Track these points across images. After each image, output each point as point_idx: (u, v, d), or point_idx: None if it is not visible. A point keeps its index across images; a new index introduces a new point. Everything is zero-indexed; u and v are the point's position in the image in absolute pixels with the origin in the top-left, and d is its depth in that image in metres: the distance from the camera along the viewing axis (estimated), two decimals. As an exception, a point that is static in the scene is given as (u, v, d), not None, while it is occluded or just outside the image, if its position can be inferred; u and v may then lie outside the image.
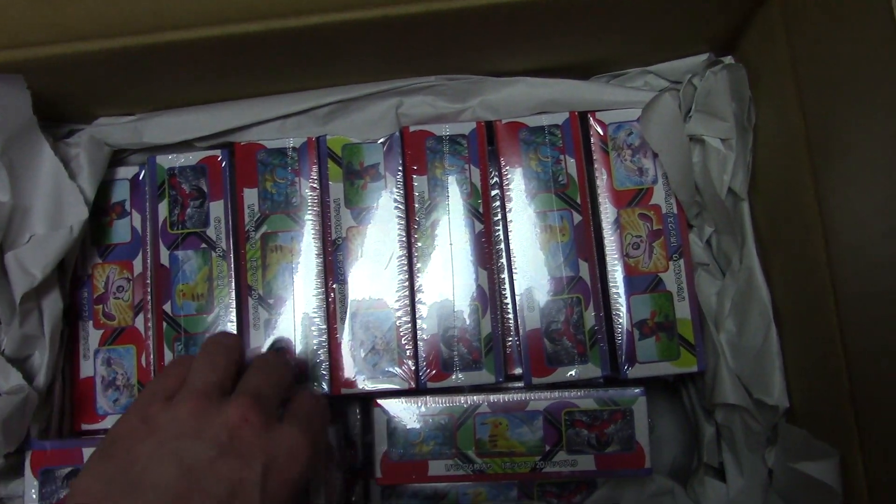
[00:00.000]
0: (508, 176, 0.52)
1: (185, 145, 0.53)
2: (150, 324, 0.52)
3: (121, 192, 0.53)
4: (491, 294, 0.51)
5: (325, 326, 0.51)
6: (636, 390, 0.50)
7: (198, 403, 0.38)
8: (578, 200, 0.51)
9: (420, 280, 0.51)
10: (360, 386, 0.50)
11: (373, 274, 0.51)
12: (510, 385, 0.53)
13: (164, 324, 0.51)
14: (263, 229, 0.52)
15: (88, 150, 0.50)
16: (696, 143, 0.51)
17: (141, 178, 0.53)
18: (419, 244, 0.51)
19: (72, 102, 0.51)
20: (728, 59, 0.50)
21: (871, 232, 0.36)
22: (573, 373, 0.50)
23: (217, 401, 0.39)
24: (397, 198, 0.52)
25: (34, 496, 0.49)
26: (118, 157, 0.54)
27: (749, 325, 0.49)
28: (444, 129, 0.52)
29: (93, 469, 0.36)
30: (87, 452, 0.49)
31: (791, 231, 0.46)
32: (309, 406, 0.42)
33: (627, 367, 0.50)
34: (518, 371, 0.52)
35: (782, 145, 0.45)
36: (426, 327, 0.50)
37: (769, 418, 0.49)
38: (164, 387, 0.40)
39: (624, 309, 0.50)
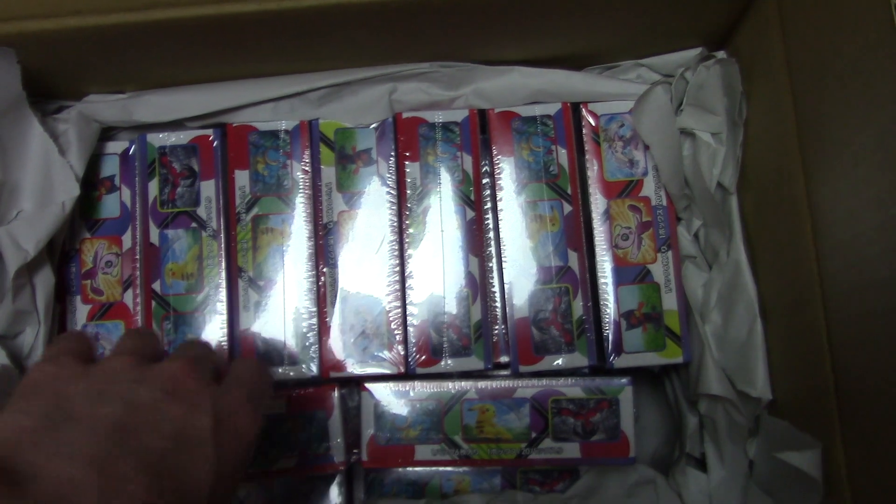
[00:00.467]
0: (500, 164, 0.52)
1: (175, 124, 0.53)
2: (139, 300, 0.51)
3: (110, 167, 0.53)
4: (481, 281, 0.51)
5: (315, 309, 0.51)
6: (623, 380, 0.51)
7: (132, 359, 0.35)
8: (569, 191, 0.52)
9: (411, 266, 0.51)
10: (350, 370, 0.50)
11: (363, 258, 0.51)
12: (497, 373, 0.53)
13: (153, 302, 0.51)
14: (255, 211, 0.51)
15: (78, 126, 0.50)
16: (687, 136, 0.51)
17: (131, 153, 0.53)
18: (410, 230, 0.51)
19: (61, 78, 0.51)
20: (721, 54, 0.51)
21: (863, 226, 0.37)
22: (560, 361, 0.50)
23: (149, 362, 0.35)
24: (389, 183, 0.52)
25: None
26: (107, 133, 0.53)
27: (734, 318, 0.50)
28: (437, 116, 0.52)
29: (16, 407, 0.31)
30: None
31: (780, 225, 0.46)
32: (250, 372, 0.39)
33: (614, 357, 0.50)
34: (504, 359, 0.52)
35: (773, 140, 0.46)
36: (416, 313, 0.51)
37: (752, 410, 0.49)
38: (79, 350, 0.36)
39: (612, 299, 0.51)
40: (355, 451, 0.52)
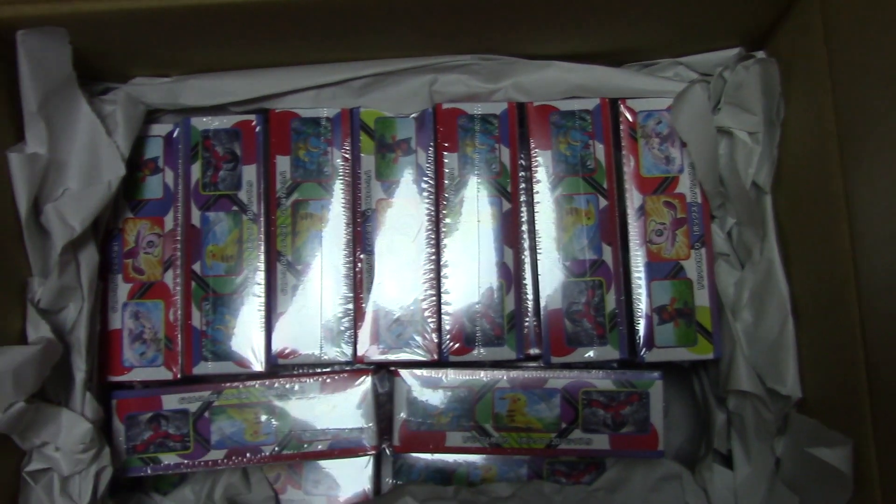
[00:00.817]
0: (537, 157, 0.52)
1: (219, 109, 0.54)
2: (178, 280, 0.52)
3: (154, 149, 0.54)
4: (515, 272, 0.52)
5: (351, 295, 0.52)
6: (654, 374, 0.51)
7: None
8: (605, 185, 0.52)
9: (446, 255, 0.52)
10: (383, 355, 0.51)
11: (400, 246, 0.52)
12: (527, 364, 0.54)
13: (193, 283, 0.52)
14: (295, 196, 0.52)
15: (125, 107, 0.51)
16: (724, 135, 0.52)
17: (175, 136, 0.54)
18: (447, 220, 0.52)
19: (108, 60, 0.51)
20: (760, 54, 0.51)
21: (903, 225, 0.37)
22: (591, 354, 0.51)
23: None
24: (427, 173, 0.53)
25: (121, 439, 0.52)
26: (152, 115, 0.54)
27: (766, 316, 0.50)
28: (476, 108, 0.53)
29: None
30: (166, 399, 0.52)
31: (815, 225, 0.47)
32: None
33: (645, 351, 0.51)
34: (533, 351, 0.53)
35: (812, 140, 0.46)
36: (451, 301, 0.51)
37: (781, 407, 0.50)
38: None
39: (644, 294, 0.51)
40: (386, 436, 0.53)
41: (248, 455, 0.51)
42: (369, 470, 0.56)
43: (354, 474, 0.56)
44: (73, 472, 0.47)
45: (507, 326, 0.51)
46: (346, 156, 0.53)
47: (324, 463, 0.56)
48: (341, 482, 0.56)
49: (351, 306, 0.52)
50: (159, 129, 0.54)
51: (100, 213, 0.49)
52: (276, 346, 0.51)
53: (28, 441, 0.47)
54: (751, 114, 0.50)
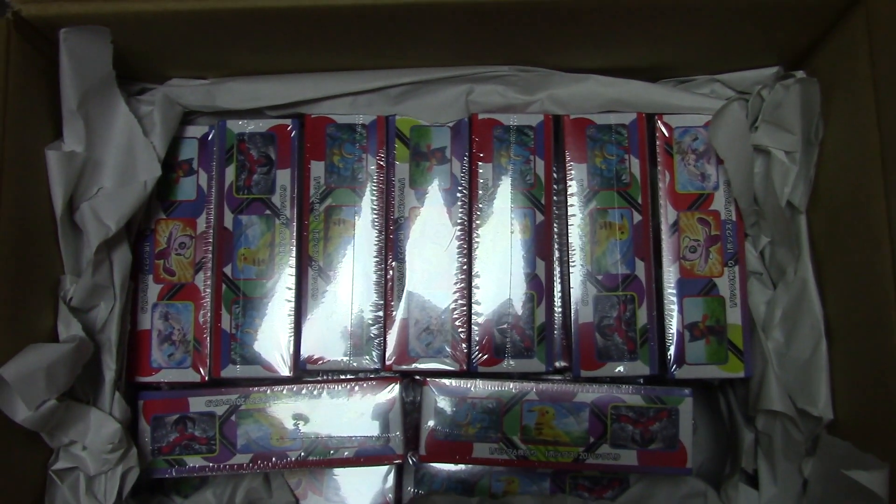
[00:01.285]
0: (572, 170, 0.52)
1: (255, 112, 0.54)
2: (209, 283, 0.52)
3: (188, 151, 0.54)
4: (547, 284, 0.51)
5: (381, 302, 0.52)
6: (685, 391, 0.51)
7: None
8: (640, 200, 0.52)
9: (478, 265, 0.52)
10: (412, 364, 0.51)
11: (432, 255, 0.52)
12: (554, 377, 0.54)
13: (224, 285, 0.52)
14: (328, 202, 0.52)
15: (162, 108, 0.51)
16: (760, 153, 0.52)
17: (210, 138, 0.54)
18: (480, 230, 0.52)
19: (146, 61, 0.51)
20: (799, 73, 0.51)
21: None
22: (621, 368, 0.51)
23: None
24: (461, 182, 0.52)
25: (147, 440, 0.52)
26: (187, 117, 0.54)
27: (798, 336, 0.50)
28: (512, 119, 0.53)
29: None
30: (193, 401, 0.52)
31: (853, 246, 0.46)
32: None
33: (675, 368, 0.51)
34: (559, 364, 0.53)
35: (852, 160, 0.46)
36: (481, 312, 0.51)
37: (811, 428, 0.49)
38: None
39: (676, 310, 0.51)
40: (411, 445, 0.52)
41: (273, 460, 0.51)
42: (391, 479, 0.55)
43: (376, 483, 0.56)
44: (100, 471, 0.47)
45: (538, 339, 0.51)
46: (381, 163, 0.53)
47: (345, 470, 0.56)
48: (363, 490, 0.56)
49: (381, 314, 0.51)
50: (195, 130, 0.54)
51: (134, 213, 0.49)
52: (305, 352, 0.51)
53: (56, 439, 0.46)
54: (789, 133, 0.50)
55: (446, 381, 0.51)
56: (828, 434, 0.49)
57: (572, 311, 0.51)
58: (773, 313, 0.52)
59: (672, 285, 0.51)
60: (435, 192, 0.53)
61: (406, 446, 0.52)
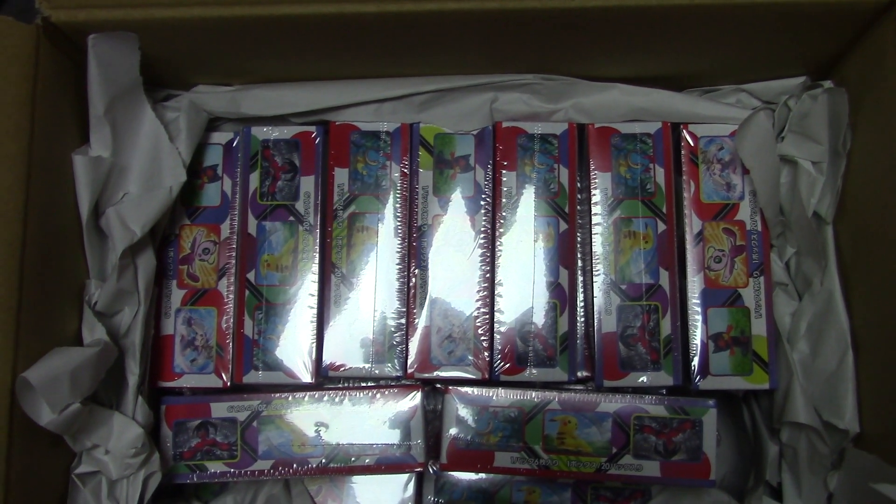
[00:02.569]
0: (596, 179, 0.52)
1: (279, 119, 0.54)
2: (232, 288, 0.52)
3: (213, 157, 0.54)
4: (570, 293, 0.51)
5: (404, 310, 0.51)
6: (709, 402, 0.50)
7: None
8: (664, 209, 0.52)
9: (501, 273, 0.51)
10: (434, 372, 0.51)
11: (455, 263, 0.52)
12: (576, 386, 0.53)
13: (247, 291, 0.52)
14: (351, 209, 0.52)
15: (188, 114, 0.51)
16: (787, 163, 0.51)
17: (234, 144, 0.54)
18: (503, 238, 0.52)
19: (173, 67, 0.52)
20: (827, 83, 0.51)
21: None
22: (644, 379, 0.50)
23: None
24: (485, 190, 0.52)
25: (169, 445, 0.52)
26: (212, 123, 0.55)
27: (824, 348, 0.49)
28: (536, 128, 0.53)
29: None
30: (215, 407, 0.52)
31: (880, 258, 0.46)
32: None
33: (699, 379, 0.50)
34: (581, 374, 0.53)
35: (881, 172, 0.46)
36: (504, 320, 0.51)
37: (837, 441, 0.49)
38: None
39: (700, 321, 0.51)
40: (433, 453, 0.52)
41: (294, 466, 0.51)
42: (411, 487, 0.55)
43: (396, 491, 0.55)
44: (122, 476, 0.47)
45: (560, 348, 0.51)
46: (405, 170, 0.53)
47: (365, 478, 0.56)
48: (382, 498, 0.55)
49: (403, 321, 0.51)
50: (220, 137, 0.54)
51: (159, 219, 0.49)
52: (327, 359, 0.51)
53: (80, 443, 0.47)
54: (816, 143, 0.50)
55: (468, 390, 0.51)
56: (854, 447, 0.48)
57: (595, 321, 0.51)
58: (799, 325, 0.51)
59: (696, 295, 0.51)
60: (458, 199, 0.52)
61: (427, 454, 0.52)
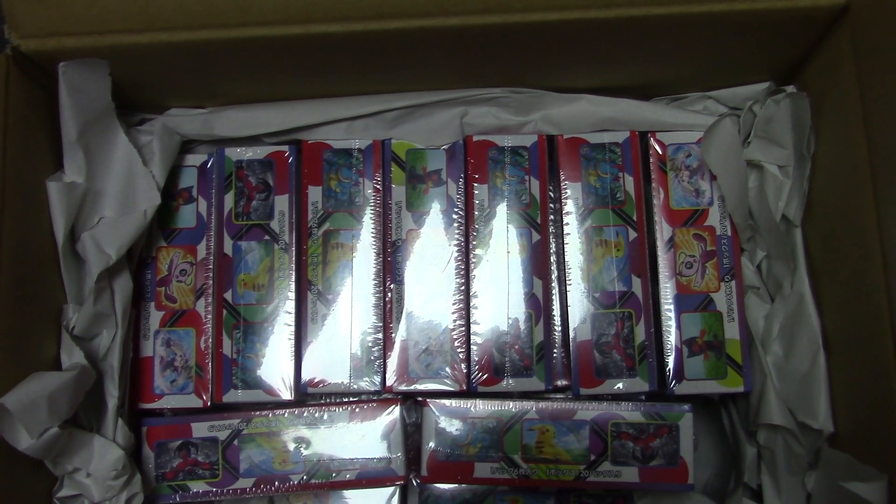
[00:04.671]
0: (567, 189, 0.53)
1: (253, 140, 0.54)
2: (210, 309, 0.53)
3: (188, 179, 0.55)
4: (545, 303, 0.52)
5: (380, 324, 0.52)
6: (684, 406, 0.51)
7: None
8: (635, 217, 0.52)
9: (476, 285, 0.52)
10: (412, 385, 0.51)
11: (430, 276, 0.52)
12: (554, 395, 0.54)
13: (224, 311, 0.52)
14: (326, 226, 0.53)
15: (161, 138, 0.52)
16: (754, 168, 0.52)
17: (209, 166, 0.55)
18: (477, 250, 0.52)
19: (145, 92, 0.52)
20: (790, 88, 0.51)
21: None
22: (621, 385, 0.51)
23: None
24: (458, 204, 0.53)
25: (151, 467, 0.52)
26: (187, 145, 0.55)
27: (797, 350, 0.50)
28: (507, 141, 0.54)
29: None
30: (196, 427, 0.53)
31: (847, 258, 0.47)
32: None
33: (674, 384, 0.51)
34: (560, 383, 0.53)
35: (843, 173, 0.46)
36: (480, 332, 0.51)
37: (812, 442, 0.49)
38: None
39: (674, 326, 0.51)
40: (414, 466, 0.53)
41: (276, 483, 0.52)
42: (395, 500, 0.55)
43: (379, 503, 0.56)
44: (104, 498, 0.48)
45: (536, 357, 0.51)
46: (378, 186, 0.53)
47: (349, 493, 0.56)
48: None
49: (380, 336, 0.52)
50: (194, 159, 0.55)
51: (135, 242, 0.50)
52: (306, 375, 0.52)
53: (60, 467, 0.47)
54: (781, 147, 0.50)
55: (446, 402, 0.52)
56: (829, 447, 0.49)
57: (570, 330, 0.51)
58: (772, 327, 0.52)
59: (669, 301, 0.52)
60: (432, 214, 0.53)
61: (408, 467, 0.52)
